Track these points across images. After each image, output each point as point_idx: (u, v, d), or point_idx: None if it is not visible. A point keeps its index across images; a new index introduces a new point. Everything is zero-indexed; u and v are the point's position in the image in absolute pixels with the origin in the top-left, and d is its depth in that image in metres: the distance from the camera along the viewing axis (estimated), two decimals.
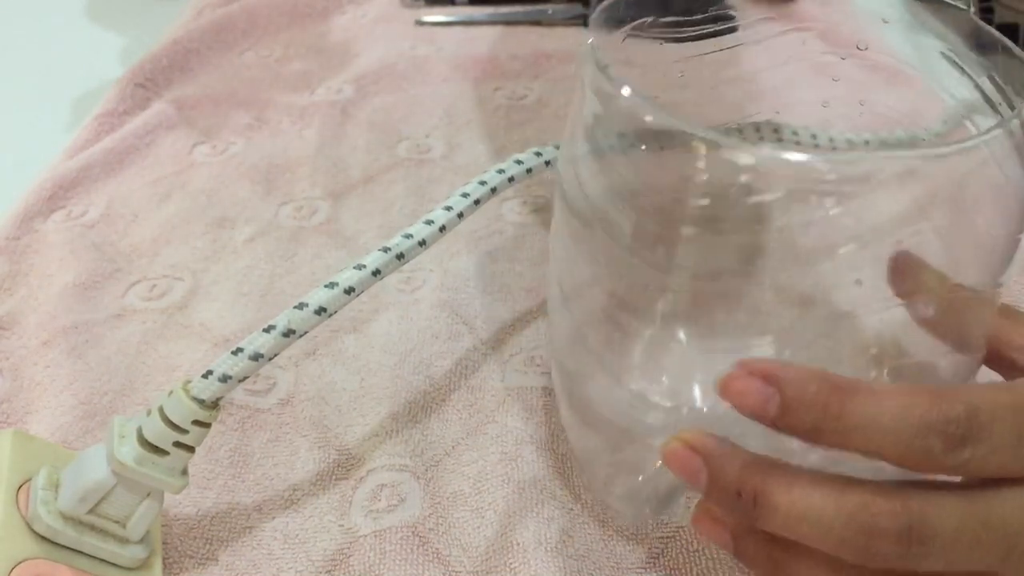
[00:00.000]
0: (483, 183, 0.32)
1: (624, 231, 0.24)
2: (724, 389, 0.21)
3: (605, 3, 0.27)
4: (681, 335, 0.26)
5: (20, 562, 0.25)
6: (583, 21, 0.67)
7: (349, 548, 0.30)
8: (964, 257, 0.23)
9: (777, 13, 0.31)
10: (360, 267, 0.29)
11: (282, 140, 0.53)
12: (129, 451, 0.26)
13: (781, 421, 0.21)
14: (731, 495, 0.21)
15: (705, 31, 0.30)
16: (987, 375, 0.25)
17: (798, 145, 0.33)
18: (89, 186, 0.48)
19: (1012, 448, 0.20)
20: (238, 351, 0.27)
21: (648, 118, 0.22)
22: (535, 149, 0.34)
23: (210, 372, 0.27)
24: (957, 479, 0.21)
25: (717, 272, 0.24)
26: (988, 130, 0.20)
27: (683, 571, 0.29)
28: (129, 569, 0.28)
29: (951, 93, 0.26)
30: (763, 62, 0.32)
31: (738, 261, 0.23)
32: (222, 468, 0.33)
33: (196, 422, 0.26)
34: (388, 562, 0.30)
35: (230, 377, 0.27)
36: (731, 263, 0.23)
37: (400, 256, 0.30)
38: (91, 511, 0.27)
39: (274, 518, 0.31)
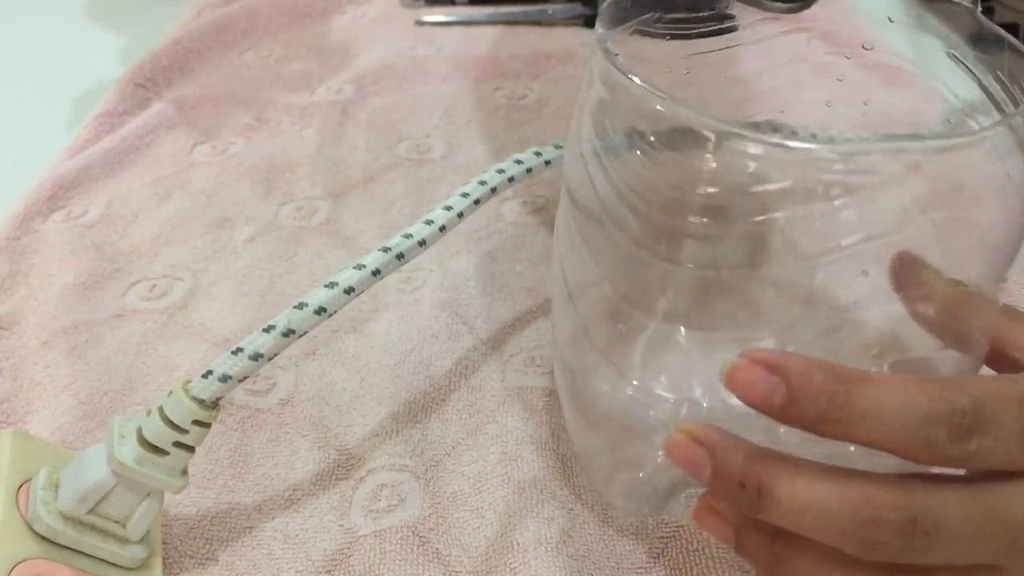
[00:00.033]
0: (483, 183, 0.32)
1: (632, 224, 0.24)
2: (729, 380, 0.21)
3: None
4: (686, 332, 0.26)
5: (20, 562, 0.25)
6: (583, 21, 0.67)
7: (349, 548, 0.30)
8: (967, 252, 0.23)
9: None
10: (360, 267, 0.29)
11: (282, 140, 0.53)
12: (129, 451, 0.26)
13: (787, 412, 0.20)
14: (734, 486, 0.21)
15: (711, 28, 0.30)
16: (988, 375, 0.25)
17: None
18: (89, 186, 0.48)
19: (1016, 440, 0.20)
20: (238, 351, 0.27)
21: (658, 107, 0.22)
22: (535, 149, 0.34)
23: (210, 372, 0.27)
24: (960, 472, 0.21)
25: (723, 265, 0.24)
26: (992, 125, 0.20)
27: (683, 571, 0.29)
28: (129, 569, 0.28)
29: (955, 92, 0.26)
30: (767, 61, 0.32)
31: (744, 254, 0.23)
32: (222, 468, 0.33)
33: (196, 422, 0.26)
34: (388, 562, 0.30)
35: (230, 377, 0.26)
36: (737, 256, 0.23)
37: (400, 256, 0.29)
38: (91, 511, 0.26)
39: (274, 518, 0.31)
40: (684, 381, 0.27)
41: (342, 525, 0.31)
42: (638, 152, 0.23)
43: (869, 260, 0.22)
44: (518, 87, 0.59)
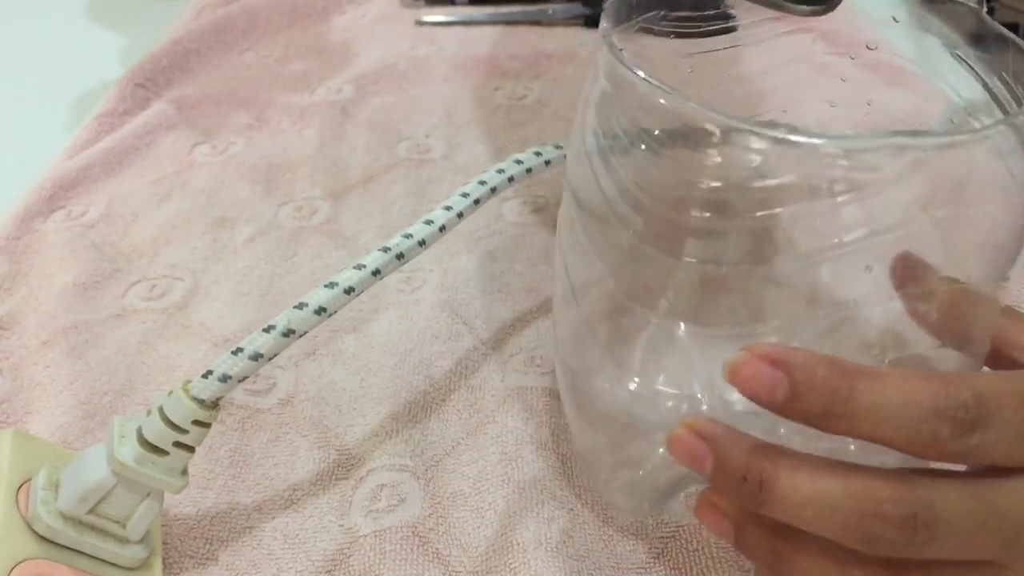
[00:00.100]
0: (483, 183, 0.32)
1: (635, 220, 0.24)
2: (732, 374, 0.21)
3: None
4: (687, 329, 0.26)
5: (20, 562, 0.25)
6: (583, 21, 0.67)
7: (349, 548, 0.30)
8: (969, 250, 0.23)
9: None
10: (360, 267, 0.29)
11: (282, 140, 0.53)
12: (129, 451, 0.26)
13: (789, 406, 0.20)
14: (736, 480, 0.21)
15: (715, 27, 0.30)
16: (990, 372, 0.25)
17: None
18: (89, 186, 0.48)
19: (1018, 436, 0.20)
20: (238, 351, 0.27)
21: (662, 101, 0.22)
22: (535, 149, 0.34)
23: (210, 372, 0.26)
24: (961, 468, 0.21)
25: (725, 261, 0.24)
26: (994, 123, 0.20)
27: (683, 570, 0.29)
28: (129, 569, 0.28)
29: (958, 92, 0.26)
30: (771, 60, 0.32)
31: (746, 250, 0.23)
32: (222, 468, 0.33)
33: (196, 422, 0.26)
34: (388, 562, 0.30)
35: (230, 377, 0.26)
36: (740, 252, 0.23)
37: (400, 256, 0.29)
38: (91, 511, 0.26)
39: (274, 518, 0.31)
40: (685, 379, 0.27)
41: (342, 525, 0.31)
42: (642, 147, 0.23)
43: (871, 257, 0.22)
44: (518, 87, 0.59)
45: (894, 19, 0.28)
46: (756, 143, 0.21)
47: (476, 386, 0.36)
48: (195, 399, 0.26)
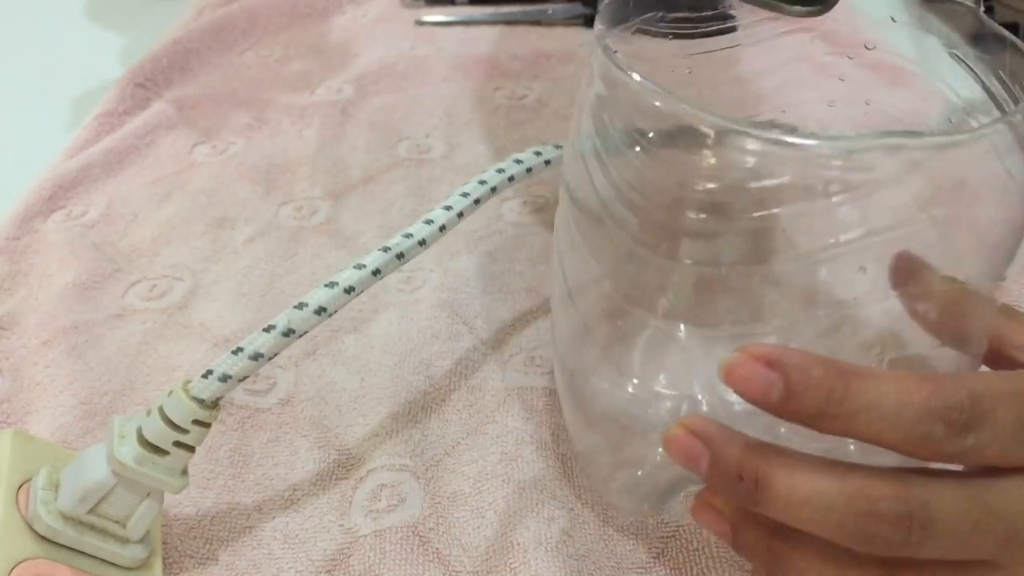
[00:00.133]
0: (483, 183, 0.32)
1: (632, 222, 0.24)
2: (728, 375, 0.21)
3: None
4: (686, 330, 0.26)
5: (20, 562, 0.25)
6: (583, 21, 0.67)
7: (349, 548, 0.30)
8: (966, 249, 0.23)
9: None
10: (360, 267, 0.29)
11: (282, 140, 0.53)
12: (129, 451, 0.26)
13: (785, 406, 0.20)
14: (732, 479, 0.21)
15: (713, 27, 0.30)
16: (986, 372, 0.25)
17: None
18: (89, 186, 0.48)
19: (1013, 436, 0.20)
20: (238, 351, 0.27)
21: (657, 103, 0.22)
22: (535, 149, 0.34)
23: (210, 372, 0.26)
24: (957, 468, 0.21)
25: (722, 262, 0.24)
26: (991, 122, 0.20)
27: (683, 570, 0.29)
28: (129, 569, 0.28)
29: (956, 92, 0.26)
30: (769, 61, 0.32)
31: (743, 251, 0.23)
32: (222, 468, 0.33)
33: (196, 422, 0.26)
34: (388, 562, 0.30)
35: (230, 377, 0.26)
36: (737, 253, 0.23)
37: (400, 256, 0.29)
38: (91, 511, 0.26)
39: (274, 518, 0.31)
40: (684, 379, 0.27)
41: (342, 525, 0.31)
42: (637, 149, 0.23)
43: (869, 257, 0.22)
44: (518, 87, 0.59)
45: (893, 19, 0.28)
46: (750, 144, 0.21)
47: (476, 386, 0.36)
48: (195, 399, 0.26)
